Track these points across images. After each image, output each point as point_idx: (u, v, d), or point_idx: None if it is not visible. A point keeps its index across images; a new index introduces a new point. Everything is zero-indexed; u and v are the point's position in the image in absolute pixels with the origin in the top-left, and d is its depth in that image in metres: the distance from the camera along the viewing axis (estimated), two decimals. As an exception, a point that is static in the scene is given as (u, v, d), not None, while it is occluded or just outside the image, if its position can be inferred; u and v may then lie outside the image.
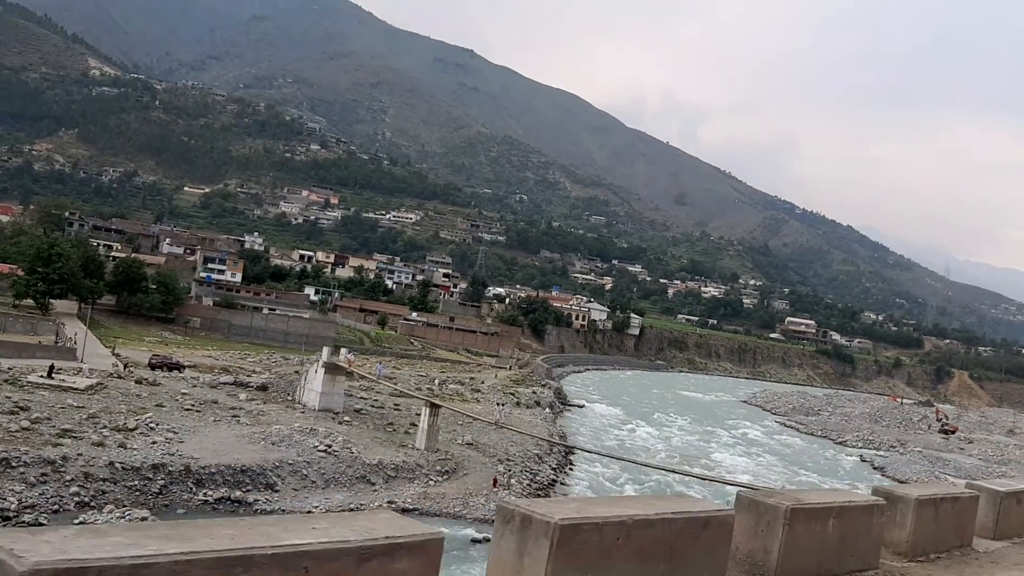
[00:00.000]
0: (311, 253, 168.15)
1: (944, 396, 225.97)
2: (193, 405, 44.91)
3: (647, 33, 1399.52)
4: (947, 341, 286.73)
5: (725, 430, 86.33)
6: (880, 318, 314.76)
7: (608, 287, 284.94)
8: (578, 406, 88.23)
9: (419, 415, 47.21)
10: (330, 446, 38.96)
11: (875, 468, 75.91)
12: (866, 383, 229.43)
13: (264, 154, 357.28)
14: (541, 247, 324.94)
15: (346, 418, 48.71)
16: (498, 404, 49.70)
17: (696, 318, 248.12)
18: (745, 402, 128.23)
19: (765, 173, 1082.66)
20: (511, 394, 73.15)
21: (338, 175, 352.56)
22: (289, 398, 52.45)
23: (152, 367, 57.23)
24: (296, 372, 59.55)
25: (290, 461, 36.31)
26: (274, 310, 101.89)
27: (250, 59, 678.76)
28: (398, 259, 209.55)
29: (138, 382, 48.55)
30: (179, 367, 58.79)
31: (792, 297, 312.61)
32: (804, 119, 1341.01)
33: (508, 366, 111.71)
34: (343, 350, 55.55)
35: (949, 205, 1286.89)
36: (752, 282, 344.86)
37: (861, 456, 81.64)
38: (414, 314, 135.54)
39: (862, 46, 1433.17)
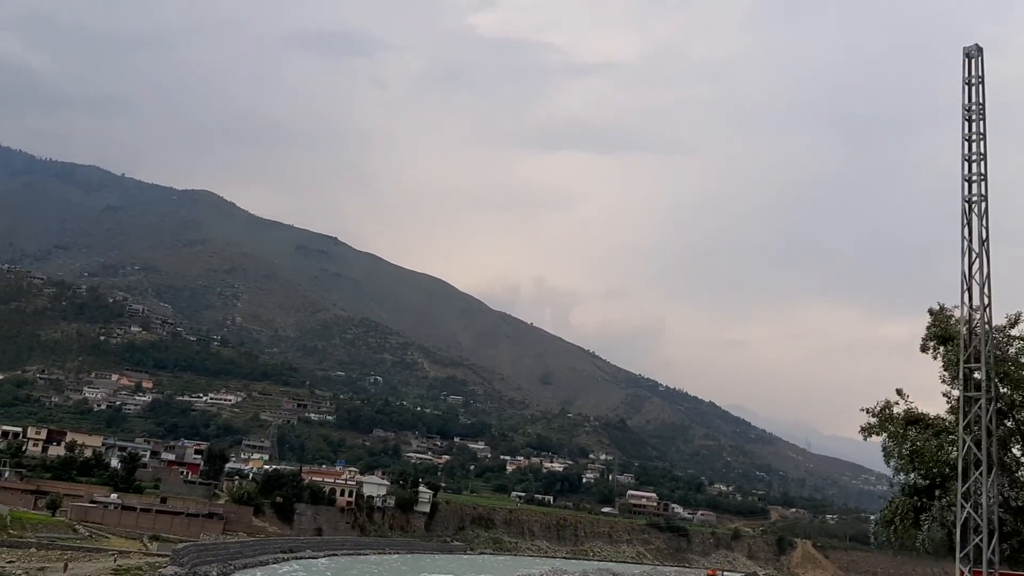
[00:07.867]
0: (18, 429, 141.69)
1: (787, 568, 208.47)
2: None
3: (516, 224, 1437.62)
4: (793, 510, 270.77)
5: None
6: (729, 489, 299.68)
7: (442, 465, 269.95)
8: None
9: None
10: None
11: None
12: (703, 558, 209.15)
13: (76, 337, 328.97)
14: (375, 426, 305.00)
15: None
16: None
17: (523, 494, 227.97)
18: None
19: (634, 355, 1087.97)
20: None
21: (156, 358, 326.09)
22: None
23: None
24: None
25: None
26: None
27: (99, 248, 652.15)
28: (146, 438, 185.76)
29: None
30: None
31: (638, 471, 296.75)
32: (671, 303, 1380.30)
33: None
34: None
35: (810, 383, 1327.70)
36: (603, 457, 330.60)
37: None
38: (114, 495, 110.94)
39: (723, 232, 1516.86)
